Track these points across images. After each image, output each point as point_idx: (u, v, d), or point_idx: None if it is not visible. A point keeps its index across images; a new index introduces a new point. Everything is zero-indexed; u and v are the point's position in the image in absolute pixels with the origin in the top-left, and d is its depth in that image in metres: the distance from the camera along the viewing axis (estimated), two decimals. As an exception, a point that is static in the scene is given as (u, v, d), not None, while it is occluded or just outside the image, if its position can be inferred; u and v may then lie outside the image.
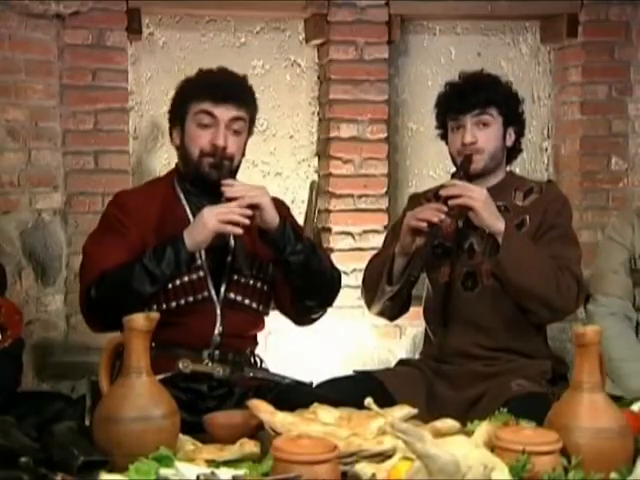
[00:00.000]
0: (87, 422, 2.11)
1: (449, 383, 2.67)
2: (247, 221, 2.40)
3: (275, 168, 4.05)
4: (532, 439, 1.74)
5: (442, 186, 2.79)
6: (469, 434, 1.85)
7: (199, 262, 2.49)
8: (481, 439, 1.79)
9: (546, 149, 4.22)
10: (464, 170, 2.69)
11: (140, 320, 1.85)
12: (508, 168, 2.83)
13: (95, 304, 2.41)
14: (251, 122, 2.60)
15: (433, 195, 2.82)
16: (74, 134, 3.66)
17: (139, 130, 3.89)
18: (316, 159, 4.07)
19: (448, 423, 1.97)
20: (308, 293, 2.55)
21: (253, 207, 2.42)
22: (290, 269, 2.49)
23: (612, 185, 4.03)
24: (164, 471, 1.71)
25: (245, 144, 2.59)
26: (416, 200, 2.91)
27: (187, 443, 1.92)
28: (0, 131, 3.47)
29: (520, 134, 2.81)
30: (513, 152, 2.82)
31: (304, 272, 2.49)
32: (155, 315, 1.88)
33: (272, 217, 2.44)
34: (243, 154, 2.59)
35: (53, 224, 3.64)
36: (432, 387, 2.68)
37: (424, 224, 2.58)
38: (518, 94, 2.82)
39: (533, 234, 2.68)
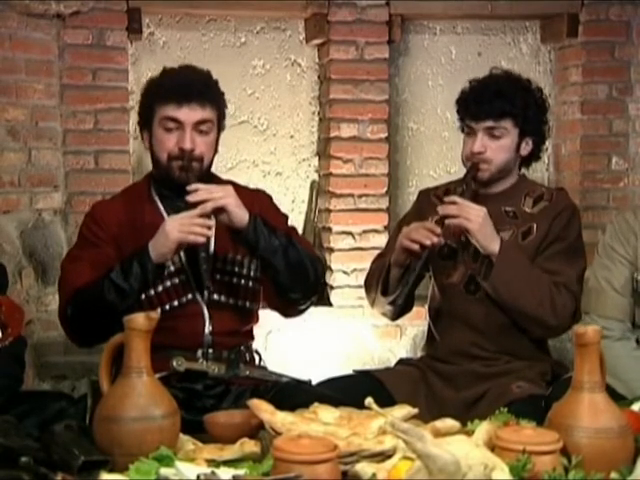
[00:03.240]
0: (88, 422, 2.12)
1: (449, 383, 2.68)
2: (209, 232, 2.37)
3: (275, 168, 4.05)
4: (532, 439, 1.74)
5: (451, 184, 2.79)
6: (469, 434, 1.85)
7: (178, 266, 2.47)
8: (481, 439, 1.79)
9: (546, 149, 4.19)
10: (471, 177, 2.70)
11: (140, 320, 1.85)
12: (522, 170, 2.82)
13: (72, 322, 2.46)
14: (220, 118, 2.56)
15: (443, 193, 2.82)
16: (74, 134, 3.66)
17: (139, 130, 3.88)
18: (316, 159, 4.07)
19: (448, 423, 1.96)
20: (290, 286, 2.50)
21: (219, 210, 2.39)
22: (267, 265, 2.47)
23: (612, 185, 4.02)
24: (164, 471, 1.71)
25: (217, 140, 2.56)
26: (426, 196, 2.91)
27: (187, 443, 1.92)
28: (0, 131, 3.47)
29: (540, 142, 2.77)
30: (530, 158, 2.79)
31: (282, 267, 2.45)
32: (155, 315, 1.88)
33: (240, 217, 2.40)
34: (216, 150, 2.57)
35: (53, 224, 3.64)
36: (432, 387, 2.68)
37: (416, 246, 2.58)
38: (545, 102, 2.78)
39: (538, 244, 2.68)
